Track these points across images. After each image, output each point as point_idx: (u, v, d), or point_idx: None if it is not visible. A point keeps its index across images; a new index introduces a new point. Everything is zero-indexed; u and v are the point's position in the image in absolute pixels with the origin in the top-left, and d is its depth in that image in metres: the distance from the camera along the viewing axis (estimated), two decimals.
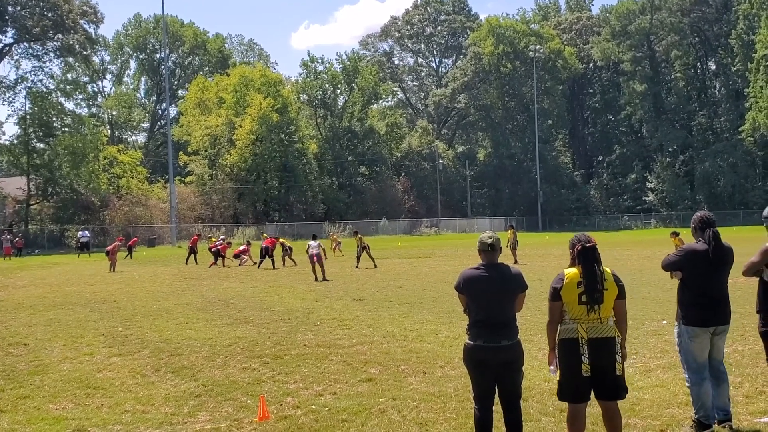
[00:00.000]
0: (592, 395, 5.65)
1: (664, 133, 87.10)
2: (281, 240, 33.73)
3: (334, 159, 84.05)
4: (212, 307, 16.92)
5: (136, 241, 46.68)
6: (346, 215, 78.58)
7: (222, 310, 16.18)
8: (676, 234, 25.83)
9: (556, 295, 5.65)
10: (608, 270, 5.66)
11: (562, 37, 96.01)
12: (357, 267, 28.72)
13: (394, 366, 9.65)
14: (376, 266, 28.55)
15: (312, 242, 24.91)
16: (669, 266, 6.82)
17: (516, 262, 27.42)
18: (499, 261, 5.83)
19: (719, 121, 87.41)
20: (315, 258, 24.23)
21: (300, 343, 11.62)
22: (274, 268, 29.85)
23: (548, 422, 6.83)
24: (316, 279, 23.71)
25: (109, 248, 32.34)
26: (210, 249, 33.87)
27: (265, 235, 39.01)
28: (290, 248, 32.77)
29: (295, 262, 31.64)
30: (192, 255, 34.86)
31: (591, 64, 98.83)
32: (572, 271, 5.64)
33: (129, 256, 39.70)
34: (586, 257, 5.58)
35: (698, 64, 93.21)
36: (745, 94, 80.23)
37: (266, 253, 30.68)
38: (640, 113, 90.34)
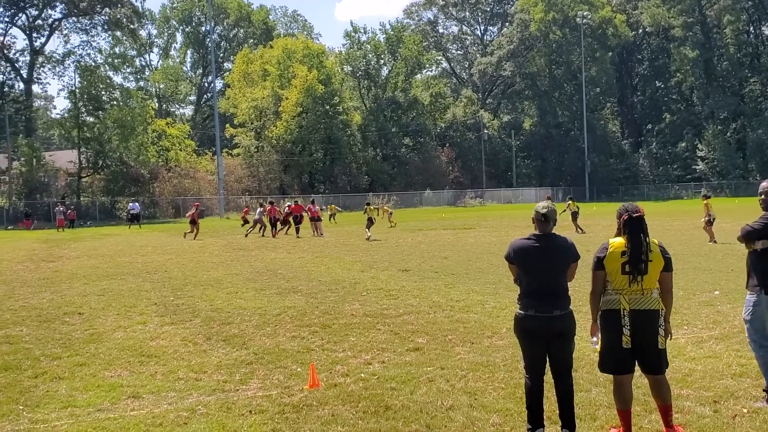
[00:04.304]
0: (637, 367, 5.60)
1: (716, 100, 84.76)
2: (332, 207, 33.96)
3: (378, 130, 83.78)
4: (261, 277, 17.12)
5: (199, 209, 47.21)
6: (390, 187, 78.55)
7: (270, 280, 16.36)
8: (707, 197, 24.68)
9: (599, 264, 5.59)
10: (655, 241, 5.57)
11: (611, 2, 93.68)
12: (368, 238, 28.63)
13: (441, 336, 9.67)
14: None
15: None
16: (749, 234, 6.42)
17: (580, 230, 28.62)
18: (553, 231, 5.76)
19: None
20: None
21: (347, 312, 11.72)
22: (298, 236, 30.70)
23: (599, 392, 6.79)
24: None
25: (192, 215, 32.89)
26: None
27: (298, 201, 39.25)
28: (337, 213, 32.88)
29: (322, 233, 31.89)
30: (246, 225, 35.20)
31: (640, 30, 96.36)
32: (617, 241, 5.57)
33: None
34: (633, 227, 5.50)
35: (751, 28, 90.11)
36: None
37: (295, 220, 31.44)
38: (691, 80, 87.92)
